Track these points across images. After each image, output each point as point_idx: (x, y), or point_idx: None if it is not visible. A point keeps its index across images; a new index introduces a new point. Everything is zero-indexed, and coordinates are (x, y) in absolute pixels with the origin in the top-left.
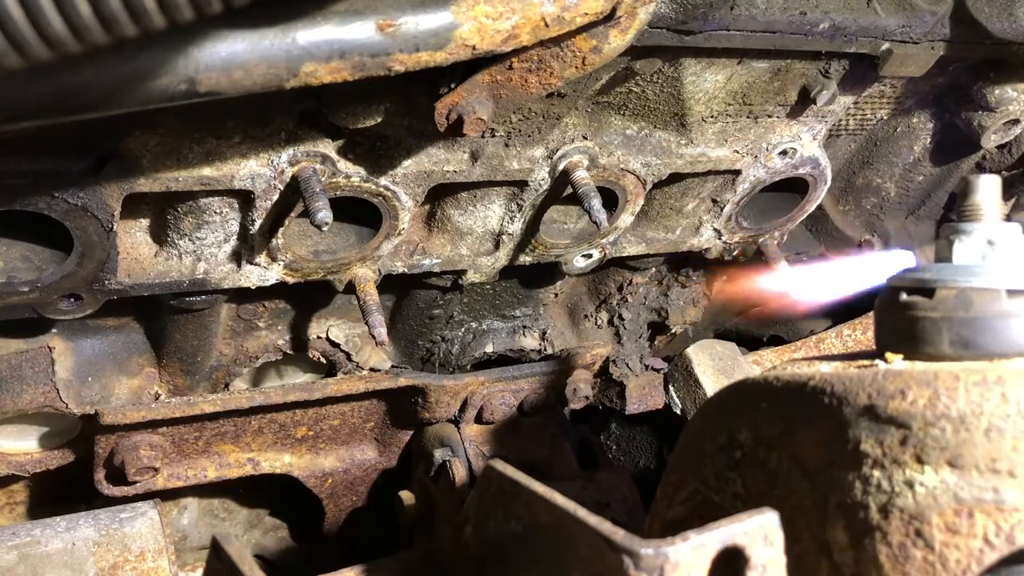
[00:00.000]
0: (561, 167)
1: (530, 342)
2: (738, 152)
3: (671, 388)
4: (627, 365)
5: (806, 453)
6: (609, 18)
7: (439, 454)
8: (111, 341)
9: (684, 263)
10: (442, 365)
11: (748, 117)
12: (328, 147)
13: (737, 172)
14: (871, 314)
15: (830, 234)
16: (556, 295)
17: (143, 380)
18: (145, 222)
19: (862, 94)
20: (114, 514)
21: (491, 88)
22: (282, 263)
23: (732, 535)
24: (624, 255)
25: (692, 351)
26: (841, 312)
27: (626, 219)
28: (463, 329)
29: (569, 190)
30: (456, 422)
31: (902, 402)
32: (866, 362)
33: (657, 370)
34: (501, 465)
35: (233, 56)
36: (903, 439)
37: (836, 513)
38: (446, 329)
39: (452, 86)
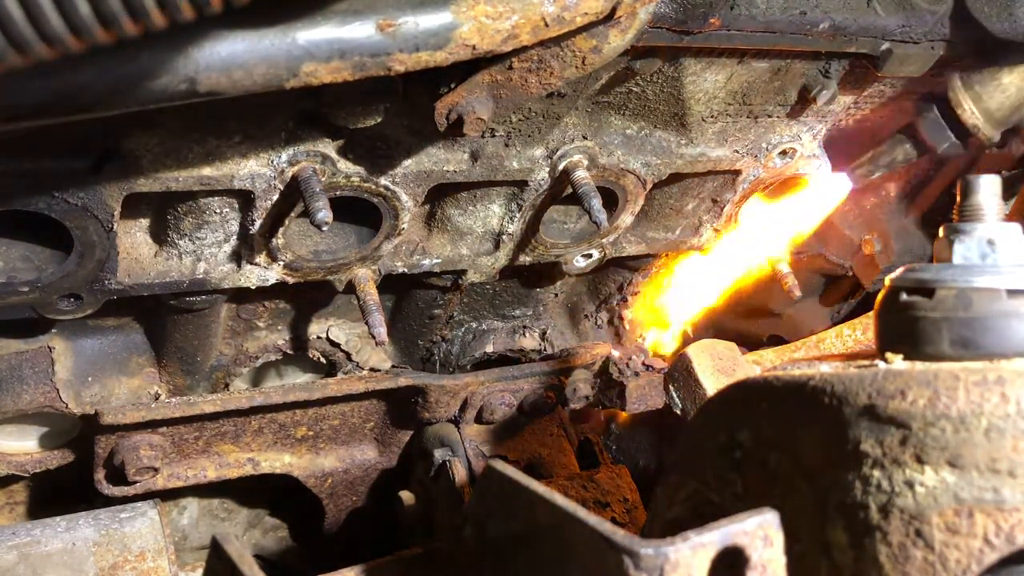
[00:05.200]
0: (561, 167)
1: (530, 342)
2: (738, 152)
3: (671, 388)
4: (627, 365)
5: (806, 453)
6: (609, 18)
7: (439, 454)
8: (111, 341)
9: None
10: (442, 365)
11: (748, 117)
12: (328, 147)
13: (737, 172)
14: (871, 314)
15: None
16: (556, 295)
17: (143, 380)
18: (145, 222)
19: (862, 94)
20: (114, 514)
21: (491, 88)
22: (282, 263)
23: (732, 535)
24: (624, 255)
25: (692, 351)
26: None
27: (626, 219)
28: (463, 329)
29: (569, 190)
30: (456, 422)
31: (902, 402)
32: (866, 362)
33: (657, 370)
34: (501, 465)
35: (233, 56)
36: (903, 439)
37: (836, 513)
38: (446, 329)
39: (452, 86)
